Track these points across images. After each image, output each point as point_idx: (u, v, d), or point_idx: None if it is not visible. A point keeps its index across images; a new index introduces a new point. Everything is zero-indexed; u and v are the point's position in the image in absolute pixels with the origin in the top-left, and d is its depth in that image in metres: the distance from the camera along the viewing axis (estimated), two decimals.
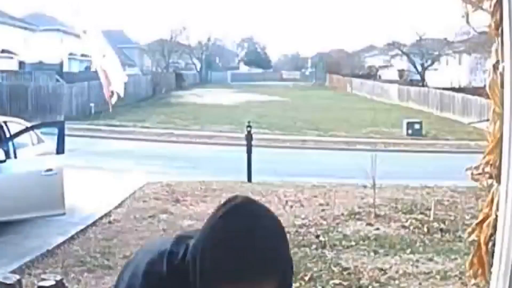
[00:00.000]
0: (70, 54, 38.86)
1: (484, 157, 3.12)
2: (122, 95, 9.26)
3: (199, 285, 1.39)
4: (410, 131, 20.96)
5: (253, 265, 1.34)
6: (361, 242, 7.25)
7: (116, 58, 9.29)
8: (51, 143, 8.63)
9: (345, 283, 5.74)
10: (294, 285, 5.41)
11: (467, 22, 3.35)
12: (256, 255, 1.34)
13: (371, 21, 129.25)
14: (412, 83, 40.53)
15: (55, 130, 7.63)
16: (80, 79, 28.26)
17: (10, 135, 7.82)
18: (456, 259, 6.47)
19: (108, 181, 11.09)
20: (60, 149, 7.44)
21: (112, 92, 8.93)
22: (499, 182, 2.68)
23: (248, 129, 12.14)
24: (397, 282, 5.82)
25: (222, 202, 1.39)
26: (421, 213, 8.81)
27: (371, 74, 53.12)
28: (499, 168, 2.70)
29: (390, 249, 6.95)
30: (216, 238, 1.38)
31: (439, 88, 32.47)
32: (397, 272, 6.10)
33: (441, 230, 7.77)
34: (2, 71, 27.63)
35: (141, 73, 43.74)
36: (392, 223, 8.24)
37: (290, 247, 1.45)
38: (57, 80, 28.82)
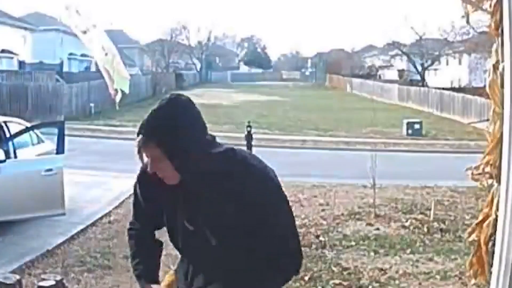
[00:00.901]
0: (70, 54, 38.87)
1: (484, 157, 3.12)
2: (127, 91, 9.24)
3: None
4: (410, 131, 20.95)
5: (144, 126, 1.99)
6: (361, 242, 7.24)
7: (118, 56, 9.29)
8: (51, 143, 8.63)
9: (345, 283, 5.74)
10: (294, 285, 5.42)
11: (467, 22, 3.36)
12: (149, 120, 2.00)
13: (371, 21, 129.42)
14: (412, 83, 40.51)
15: (55, 130, 7.60)
16: (80, 79, 28.25)
17: (10, 135, 7.81)
18: (456, 259, 6.46)
19: (108, 181, 11.09)
20: (60, 149, 7.42)
21: (116, 90, 8.91)
22: (499, 182, 2.68)
23: (248, 129, 12.15)
24: (397, 282, 5.81)
25: None
26: (421, 213, 8.80)
27: (371, 74, 53.13)
28: (499, 168, 2.70)
29: (390, 249, 6.94)
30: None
31: (439, 88, 32.46)
32: (397, 272, 6.09)
33: (441, 230, 7.76)
34: (2, 71, 27.63)
35: (141, 73, 43.73)
36: (392, 223, 8.23)
37: None
38: (57, 80, 28.81)
